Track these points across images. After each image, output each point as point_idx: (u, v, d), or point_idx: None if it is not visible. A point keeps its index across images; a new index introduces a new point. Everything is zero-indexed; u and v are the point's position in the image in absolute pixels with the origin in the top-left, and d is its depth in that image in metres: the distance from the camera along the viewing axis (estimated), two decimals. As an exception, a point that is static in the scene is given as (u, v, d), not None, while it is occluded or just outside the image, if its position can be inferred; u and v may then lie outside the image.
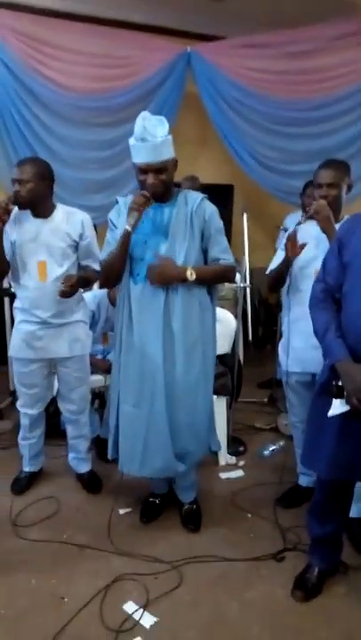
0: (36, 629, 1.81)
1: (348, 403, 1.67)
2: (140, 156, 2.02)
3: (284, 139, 4.46)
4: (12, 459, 2.88)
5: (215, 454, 2.90)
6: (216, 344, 2.32)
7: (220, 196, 3.88)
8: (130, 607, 1.90)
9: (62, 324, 2.48)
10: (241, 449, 3.12)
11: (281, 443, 3.20)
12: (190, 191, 2.22)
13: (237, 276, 3.14)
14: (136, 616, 1.86)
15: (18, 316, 2.51)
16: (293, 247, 2.21)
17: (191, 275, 2.05)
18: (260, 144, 4.46)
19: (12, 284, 2.53)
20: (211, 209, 2.16)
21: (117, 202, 2.20)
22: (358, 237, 1.74)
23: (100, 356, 3.16)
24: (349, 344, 1.70)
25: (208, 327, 2.22)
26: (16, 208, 2.33)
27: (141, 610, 1.88)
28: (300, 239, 2.21)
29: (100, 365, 3.06)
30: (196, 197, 2.15)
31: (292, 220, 3.88)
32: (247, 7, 4.26)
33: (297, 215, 3.91)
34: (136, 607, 1.90)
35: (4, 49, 3.93)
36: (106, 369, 3.14)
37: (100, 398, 3.17)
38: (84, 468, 2.75)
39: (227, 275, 2.23)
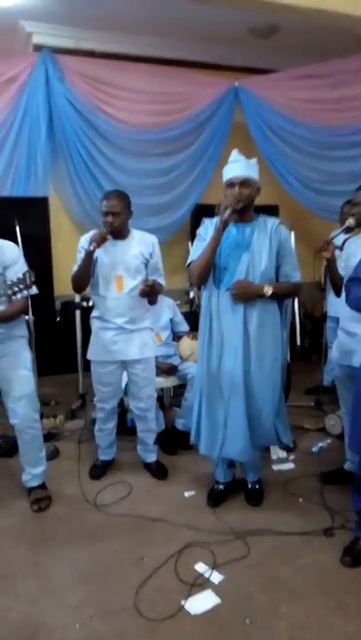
0: (122, 582, 2.16)
1: None
2: (229, 172, 2.42)
3: (325, 161, 4.78)
4: (87, 451, 3.28)
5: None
6: (284, 349, 2.61)
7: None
8: (200, 567, 2.23)
9: (134, 330, 2.87)
10: (291, 445, 3.39)
11: (328, 441, 3.47)
12: (268, 216, 2.55)
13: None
14: (206, 574, 2.19)
15: (95, 325, 2.91)
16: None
17: (268, 291, 2.37)
18: (303, 167, 4.81)
19: (92, 296, 2.94)
20: (286, 232, 2.50)
21: (204, 221, 2.58)
22: None
23: (160, 359, 3.50)
24: None
25: (278, 333, 2.51)
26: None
27: (211, 569, 2.21)
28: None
29: (162, 367, 3.42)
30: (274, 221, 2.49)
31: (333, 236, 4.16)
32: (290, 42, 4.61)
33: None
34: (206, 567, 2.23)
35: (70, 90, 4.40)
36: (166, 370, 3.51)
37: (159, 399, 3.52)
38: (152, 457, 3.10)
39: (296, 291, 2.59)
